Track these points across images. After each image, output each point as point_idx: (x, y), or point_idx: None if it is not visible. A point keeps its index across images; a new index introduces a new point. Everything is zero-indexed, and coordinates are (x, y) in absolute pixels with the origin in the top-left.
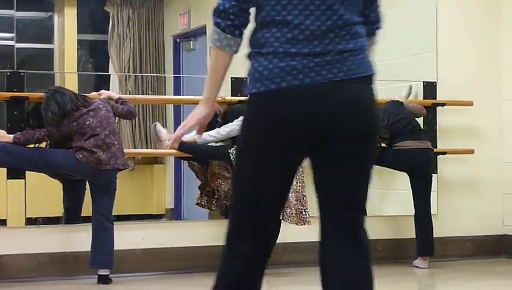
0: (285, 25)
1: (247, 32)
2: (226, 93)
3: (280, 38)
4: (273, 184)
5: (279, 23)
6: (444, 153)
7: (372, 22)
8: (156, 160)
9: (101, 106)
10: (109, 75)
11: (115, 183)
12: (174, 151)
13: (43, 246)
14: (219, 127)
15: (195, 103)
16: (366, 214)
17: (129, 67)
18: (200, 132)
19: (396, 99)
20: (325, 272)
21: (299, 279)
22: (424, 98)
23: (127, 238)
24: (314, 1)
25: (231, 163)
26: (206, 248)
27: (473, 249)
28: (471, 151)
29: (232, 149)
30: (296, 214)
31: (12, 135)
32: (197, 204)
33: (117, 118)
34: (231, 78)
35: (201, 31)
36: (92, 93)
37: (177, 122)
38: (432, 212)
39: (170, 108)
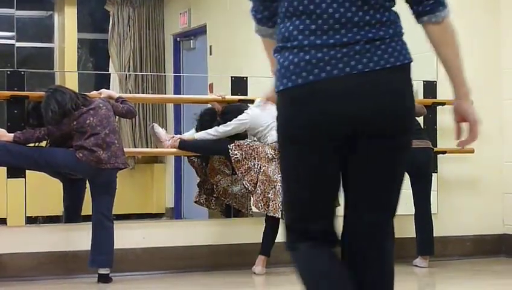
0: (308, 16)
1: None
2: (226, 92)
3: (304, 30)
4: (323, 180)
5: (302, 14)
6: (444, 152)
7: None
8: (156, 159)
9: (101, 105)
10: (109, 74)
11: (115, 182)
12: (174, 150)
13: (43, 245)
14: (217, 126)
15: (196, 102)
16: (393, 217)
17: (129, 66)
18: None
19: None
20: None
21: None
22: (424, 97)
23: (127, 237)
24: None
25: (230, 159)
26: (206, 247)
27: (473, 249)
28: (471, 151)
29: (231, 145)
30: None
31: (13, 134)
32: (195, 202)
33: (117, 117)
34: (231, 77)
35: (201, 30)
36: (92, 92)
37: (177, 121)
38: (432, 212)
39: (170, 107)
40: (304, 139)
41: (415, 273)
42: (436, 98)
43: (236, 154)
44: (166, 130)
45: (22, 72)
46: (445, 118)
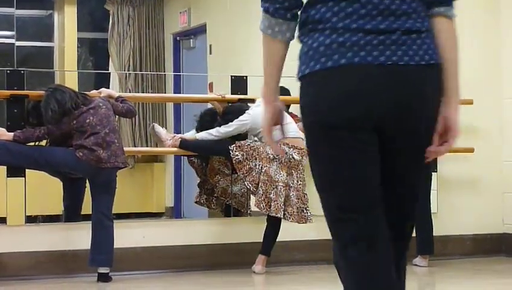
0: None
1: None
2: (225, 91)
3: (339, 13)
4: (359, 176)
5: None
6: None
7: None
8: (156, 158)
9: (101, 104)
10: (109, 73)
11: (114, 181)
12: (174, 149)
13: (43, 244)
14: (219, 126)
15: (195, 101)
16: (413, 224)
17: (129, 66)
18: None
19: None
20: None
21: (300, 277)
22: None
23: (126, 236)
24: None
25: (231, 159)
26: (206, 246)
27: (473, 248)
28: (471, 150)
29: (232, 146)
30: (297, 212)
31: (12, 133)
32: (196, 202)
33: (117, 116)
34: (231, 76)
35: (201, 29)
36: (92, 92)
37: (177, 120)
38: (431, 211)
39: (170, 106)
40: (330, 125)
41: (415, 273)
42: None
43: (237, 155)
44: (166, 129)
45: (22, 71)
46: None
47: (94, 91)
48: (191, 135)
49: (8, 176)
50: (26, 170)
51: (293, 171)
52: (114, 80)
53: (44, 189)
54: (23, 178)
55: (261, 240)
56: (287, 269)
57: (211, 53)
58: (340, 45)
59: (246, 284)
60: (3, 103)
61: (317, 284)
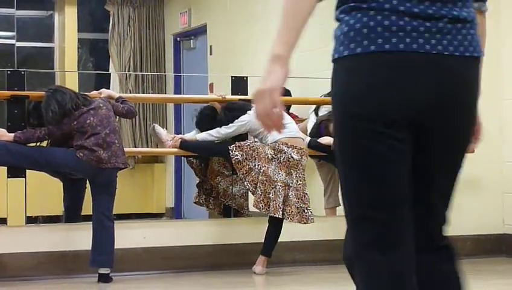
0: None
1: None
2: (226, 92)
3: None
4: (388, 173)
5: None
6: None
7: None
8: (156, 159)
9: (101, 105)
10: (109, 74)
11: (115, 182)
12: (174, 150)
13: (43, 244)
14: (220, 123)
15: (196, 101)
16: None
17: (129, 66)
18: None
19: None
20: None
21: (301, 278)
22: None
23: (127, 237)
24: None
25: (231, 160)
26: (206, 247)
27: (473, 248)
28: (471, 151)
29: (232, 146)
30: (297, 212)
31: (13, 134)
32: (195, 202)
33: (117, 116)
34: (231, 77)
35: (201, 30)
36: (92, 92)
37: (178, 121)
38: None
39: (171, 107)
40: (363, 116)
41: None
42: None
43: (236, 155)
44: (166, 129)
45: (22, 72)
46: None
47: (94, 92)
48: (191, 135)
49: (8, 177)
50: (27, 170)
51: (292, 171)
52: (114, 80)
53: (44, 190)
54: (24, 179)
55: (262, 241)
56: (288, 270)
57: (211, 54)
58: (385, 28)
59: (246, 284)
60: (4, 103)
61: (318, 285)
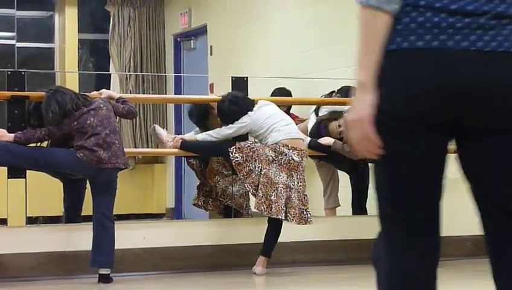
0: None
1: None
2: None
3: None
4: (421, 175)
5: None
6: None
7: None
8: (156, 159)
9: (101, 105)
10: (110, 74)
11: (115, 182)
12: (174, 150)
13: (43, 245)
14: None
15: (196, 102)
16: None
17: (130, 67)
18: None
19: None
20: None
21: (301, 278)
22: None
23: (127, 237)
24: None
25: (230, 161)
26: (206, 247)
27: (473, 249)
28: None
29: (232, 148)
30: (298, 214)
31: (13, 134)
32: (193, 204)
33: (118, 117)
34: (232, 77)
35: (202, 30)
36: (92, 93)
37: (178, 121)
38: None
39: (171, 107)
40: (409, 114)
41: None
42: None
43: (237, 157)
44: (167, 130)
45: (23, 73)
46: None
47: (95, 92)
48: (190, 135)
49: (8, 177)
50: (27, 171)
51: (293, 172)
52: (115, 81)
53: (44, 190)
54: (24, 179)
55: (262, 241)
56: (287, 270)
57: (211, 54)
58: (419, 25)
59: (246, 285)
60: (4, 104)
61: (317, 285)
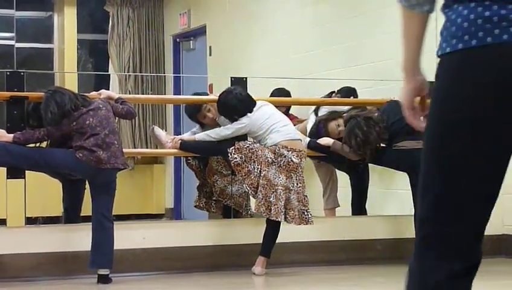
0: None
1: None
2: None
3: None
4: (479, 179)
5: None
6: None
7: None
8: (155, 160)
9: (100, 106)
10: (109, 74)
11: (114, 182)
12: (174, 151)
13: (43, 245)
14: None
15: (195, 102)
16: None
17: (129, 67)
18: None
19: (396, 99)
20: None
21: (300, 278)
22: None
23: (127, 237)
24: None
25: (229, 160)
26: (206, 247)
27: None
28: None
29: (231, 149)
30: (298, 215)
31: (12, 135)
32: (195, 206)
33: (117, 117)
34: (231, 78)
35: (201, 31)
36: (91, 93)
37: (177, 121)
38: None
39: (170, 108)
40: (468, 117)
41: None
42: None
43: (236, 157)
44: (166, 130)
45: (22, 73)
46: None
47: (94, 93)
48: (188, 135)
49: (8, 178)
50: (26, 171)
51: (292, 174)
52: (114, 81)
53: (44, 190)
54: (23, 179)
55: (261, 242)
56: (287, 271)
57: (210, 54)
58: (487, 20)
59: (246, 285)
60: (3, 104)
61: (317, 286)
